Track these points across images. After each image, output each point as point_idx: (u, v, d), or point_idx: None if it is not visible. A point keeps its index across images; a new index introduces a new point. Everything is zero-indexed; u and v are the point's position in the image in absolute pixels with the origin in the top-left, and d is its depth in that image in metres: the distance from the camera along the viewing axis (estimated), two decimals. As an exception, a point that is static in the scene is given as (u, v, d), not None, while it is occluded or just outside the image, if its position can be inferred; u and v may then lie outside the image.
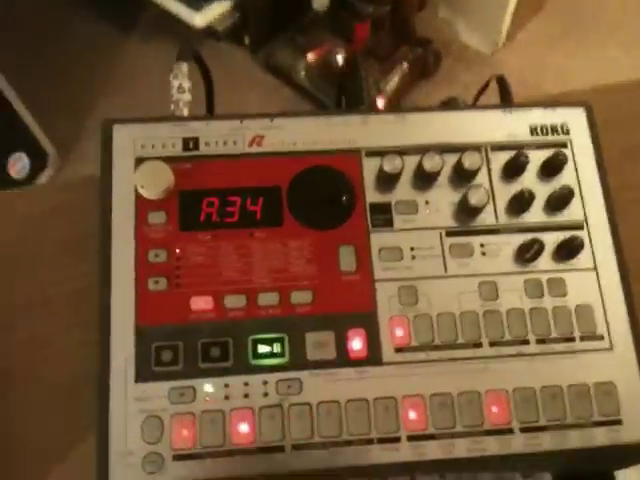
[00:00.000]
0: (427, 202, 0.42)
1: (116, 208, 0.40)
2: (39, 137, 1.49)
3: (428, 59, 1.73)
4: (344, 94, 0.56)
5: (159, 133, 0.42)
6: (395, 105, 1.61)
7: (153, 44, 1.85)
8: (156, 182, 0.39)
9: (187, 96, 0.45)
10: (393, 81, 1.67)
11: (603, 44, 1.85)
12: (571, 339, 0.39)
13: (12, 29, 1.78)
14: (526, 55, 1.85)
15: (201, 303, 0.38)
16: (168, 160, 0.40)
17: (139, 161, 0.40)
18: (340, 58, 1.63)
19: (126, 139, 0.42)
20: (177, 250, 0.39)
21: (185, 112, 0.44)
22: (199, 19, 1.61)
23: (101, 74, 1.79)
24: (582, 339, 0.40)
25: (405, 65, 1.69)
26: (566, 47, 1.87)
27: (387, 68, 1.69)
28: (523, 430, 0.38)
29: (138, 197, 0.40)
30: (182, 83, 0.45)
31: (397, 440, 0.36)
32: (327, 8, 1.71)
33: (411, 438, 0.37)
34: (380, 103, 1.51)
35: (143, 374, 0.37)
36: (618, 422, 0.38)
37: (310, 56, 1.71)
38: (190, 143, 0.42)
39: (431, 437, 0.37)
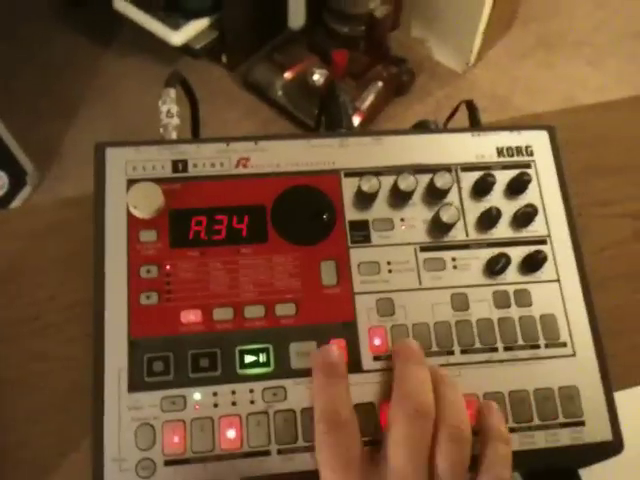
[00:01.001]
0: (402, 219, 0.44)
1: (109, 227, 0.42)
2: (18, 155, 1.49)
3: (402, 77, 1.78)
4: (324, 115, 0.59)
5: (149, 156, 0.44)
6: (370, 129, 1.64)
7: (131, 60, 1.86)
8: (147, 202, 0.42)
9: (175, 120, 0.47)
10: (369, 99, 1.70)
11: (571, 60, 1.91)
12: (536, 346, 0.42)
13: (-10, 46, 1.77)
14: (497, 71, 1.90)
15: (191, 316, 0.41)
16: (158, 181, 0.43)
17: (131, 182, 0.43)
18: (318, 76, 1.67)
19: (118, 162, 0.44)
20: (167, 266, 0.41)
21: (174, 135, 0.47)
22: (176, 37, 1.63)
23: (79, 87, 1.80)
24: (547, 346, 0.42)
25: (380, 83, 1.73)
26: (535, 63, 1.93)
27: (362, 86, 1.73)
28: (493, 432, 0.40)
29: (130, 216, 0.42)
30: (170, 108, 0.47)
31: (377, 442, 0.38)
32: (303, 27, 1.74)
33: (389, 440, 0.39)
34: (356, 121, 1.55)
35: (136, 384, 0.39)
36: (581, 423, 0.41)
37: (288, 74, 1.74)
38: (179, 165, 0.44)
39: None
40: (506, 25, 1.97)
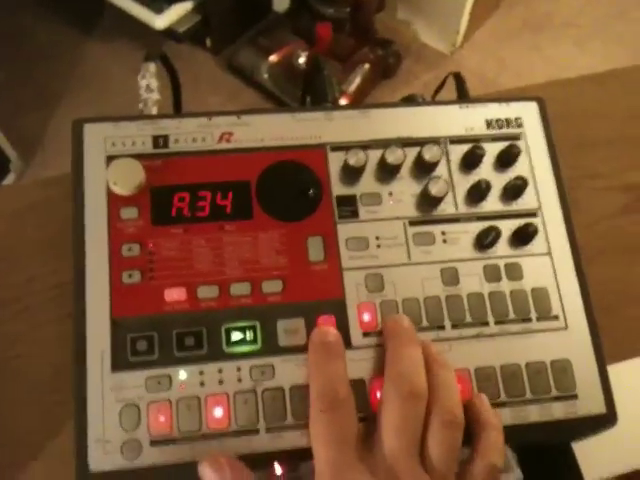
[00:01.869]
0: (390, 193, 0.44)
1: (88, 205, 0.41)
2: (1, 143, 1.47)
3: (389, 60, 1.76)
4: (308, 93, 0.58)
5: (129, 131, 0.43)
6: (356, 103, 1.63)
7: (114, 45, 1.84)
8: (128, 179, 0.40)
9: (155, 95, 0.46)
10: (355, 82, 1.69)
11: (557, 41, 1.90)
12: (528, 320, 0.42)
13: (-30, 33, 1.75)
14: (483, 53, 1.89)
15: (175, 294, 0.40)
16: (139, 157, 0.41)
17: (110, 159, 0.41)
18: (303, 59, 1.65)
19: (97, 138, 0.42)
20: (150, 244, 0.40)
21: (154, 111, 0.45)
22: (160, 21, 1.61)
23: (63, 76, 1.77)
24: (538, 320, 0.42)
25: (366, 66, 1.72)
26: (521, 44, 1.92)
27: (349, 69, 1.71)
28: (485, 406, 0.40)
29: (110, 194, 0.41)
30: (150, 83, 0.46)
31: (367, 419, 0.38)
32: (288, 10, 1.72)
33: (380, 417, 0.38)
34: (343, 104, 1.53)
35: (119, 364, 0.38)
36: (574, 397, 0.41)
37: (273, 57, 1.72)
38: (160, 140, 0.43)
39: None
40: (492, 6, 1.96)
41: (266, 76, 1.72)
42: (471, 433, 0.38)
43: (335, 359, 0.38)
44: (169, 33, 1.66)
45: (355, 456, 0.35)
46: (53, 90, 1.75)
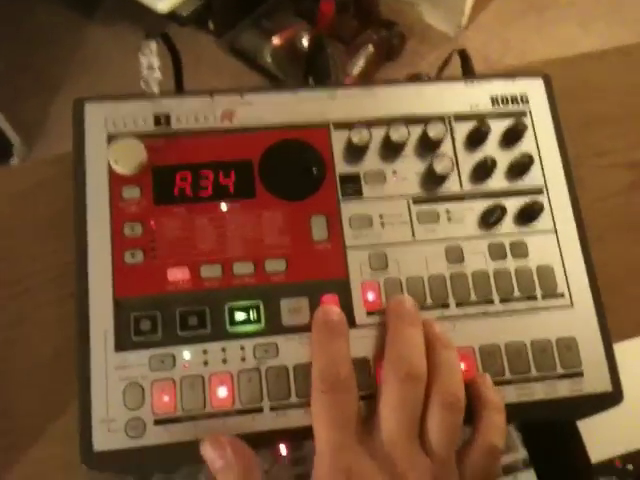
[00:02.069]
0: (394, 172, 0.43)
1: (90, 185, 0.41)
2: (3, 127, 1.47)
3: (393, 41, 1.75)
4: (311, 73, 0.57)
5: (130, 110, 0.42)
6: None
7: (115, 28, 1.82)
8: (129, 158, 0.40)
9: (157, 74, 0.45)
10: (359, 64, 1.68)
11: (562, 22, 1.88)
12: (533, 297, 0.41)
13: (-30, 16, 1.73)
14: (488, 34, 1.87)
15: (178, 274, 0.39)
16: (140, 136, 0.41)
17: (111, 138, 0.41)
18: (306, 41, 1.64)
19: (98, 117, 0.42)
20: (152, 224, 0.40)
21: (155, 89, 0.45)
22: (162, 4, 1.60)
23: (64, 60, 1.76)
24: (544, 297, 0.41)
25: (370, 47, 1.71)
26: (526, 25, 1.90)
27: (353, 51, 1.70)
28: (490, 384, 0.39)
29: (111, 173, 0.41)
30: (151, 61, 0.45)
31: (371, 397, 0.37)
32: (291, -9, 1.71)
33: (384, 396, 0.38)
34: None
35: (123, 343, 0.38)
36: (580, 374, 0.40)
37: (276, 40, 1.71)
38: (161, 119, 0.42)
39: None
40: (497, -14, 1.93)
41: (269, 59, 1.71)
42: (472, 412, 0.38)
43: (338, 338, 0.38)
44: (172, 16, 1.65)
45: (355, 438, 0.35)
46: (54, 74, 1.74)
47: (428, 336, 0.38)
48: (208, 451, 0.35)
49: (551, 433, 0.47)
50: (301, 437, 0.38)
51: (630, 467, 0.49)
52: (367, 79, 1.71)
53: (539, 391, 0.40)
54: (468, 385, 0.38)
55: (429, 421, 0.36)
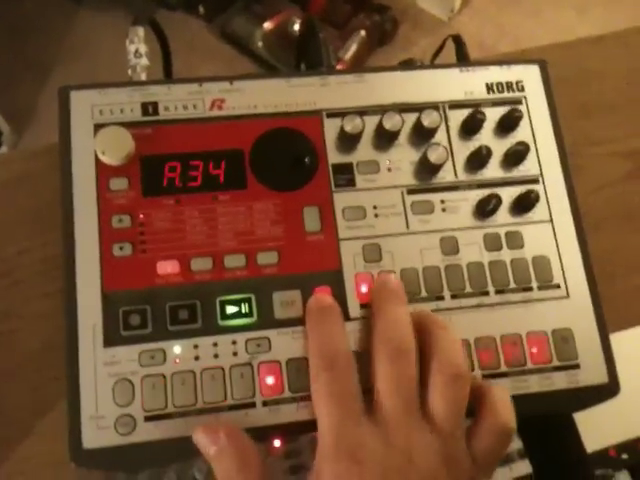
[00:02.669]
0: (388, 161, 0.42)
1: (77, 175, 0.40)
2: (-7, 116, 1.45)
3: (385, 26, 1.73)
4: (303, 59, 0.56)
5: (117, 99, 0.41)
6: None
7: (105, 16, 1.80)
8: (116, 147, 0.39)
9: (144, 61, 0.44)
10: (351, 49, 1.66)
11: (557, 6, 1.87)
12: (529, 289, 0.41)
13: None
14: (482, 19, 1.86)
15: (167, 267, 0.38)
16: (128, 125, 0.40)
17: (98, 127, 0.40)
18: (298, 26, 1.62)
19: (84, 105, 0.41)
20: (141, 215, 0.39)
21: (143, 77, 0.44)
22: (152, -12, 1.57)
23: (53, 47, 1.73)
24: (539, 288, 0.41)
25: (363, 32, 1.69)
26: (521, 10, 1.89)
27: (345, 36, 1.68)
28: (485, 377, 0.39)
29: (99, 164, 0.40)
30: (139, 48, 0.44)
31: (369, 391, 0.37)
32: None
33: (379, 389, 0.38)
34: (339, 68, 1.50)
35: (112, 339, 0.37)
36: (576, 366, 0.40)
37: (267, 25, 1.69)
38: (149, 108, 0.41)
39: (398, 387, 0.38)
40: (491, -30, 1.91)
41: (260, 44, 1.69)
42: (473, 401, 0.36)
43: (332, 322, 0.37)
44: (161, 1, 1.63)
45: (358, 414, 0.35)
46: (44, 62, 1.72)
47: (424, 321, 0.37)
48: (201, 438, 0.35)
49: (546, 423, 0.46)
50: (295, 432, 0.38)
51: (625, 457, 0.49)
52: (359, 64, 1.69)
53: (535, 384, 0.39)
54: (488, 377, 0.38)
55: (430, 395, 0.35)
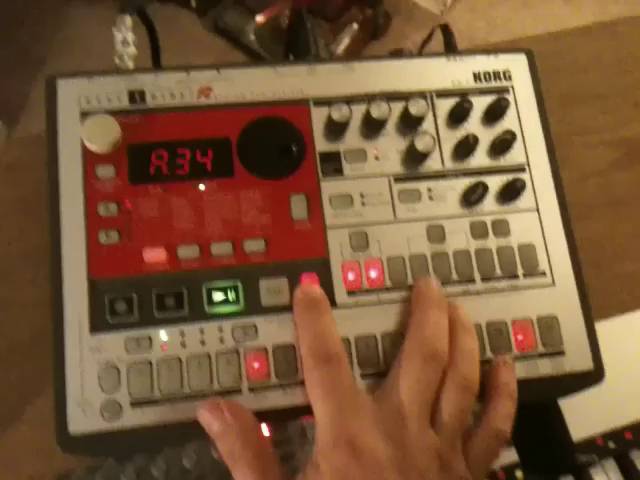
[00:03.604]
0: (375, 150, 0.42)
1: (63, 163, 0.40)
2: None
3: (378, 20, 1.73)
4: (291, 50, 0.56)
5: (104, 87, 0.41)
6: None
7: (97, 7, 1.79)
8: (103, 135, 0.39)
9: (131, 49, 0.44)
10: (344, 42, 1.66)
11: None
12: (515, 276, 0.41)
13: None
14: (474, 12, 1.86)
15: (154, 255, 0.38)
16: (114, 113, 0.40)
17: (85, 115, 0.40)
18: (290, 19, 1.61)
19: (71, 94, 0.41)
20: (127, 203, 0.39)
21: (130, 65, 0.44)
22: (144, -19, 1.56)
23: (45, 39, 1.72)
24: (525, 276, 0.41)
25: (355, 26, 1.69)
26: (513, 3, 1.89)
27: (337, 29, 1.68)
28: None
29: (85, 152, 0.40)
30: (126, 36, 0.44)
31: (366, 377, 0.37)
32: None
33: (365, 376, 0.38)
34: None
35: (98, 325, 0.37)
36: (561, 353, 0.40)
37: (259, 18, 1.68)
38: (136, 96, 0.41)
39: (384, 374, 0.38)
40: (484, -36, 1.91)
41: (253, 37, 1.68)
42: (484, 395, 0.38)
43: (322, 314, 0.37)
44: (153, -7, 1.62)
45: (355, 406, 0.35)
46: (35, 55, 1.71)
47: (452, 320, 0.38)
48: (205, 416, 0.35)
49: (532, 411, 0.47)
50: (281, 418, 0.38)
51: (612, 445, 0.49)
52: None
53: (520, 370, 0.39)
54: (486, 362, 0.39)
55: (442, 401, 0.36)
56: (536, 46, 0.47)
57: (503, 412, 0.37)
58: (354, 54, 1.70)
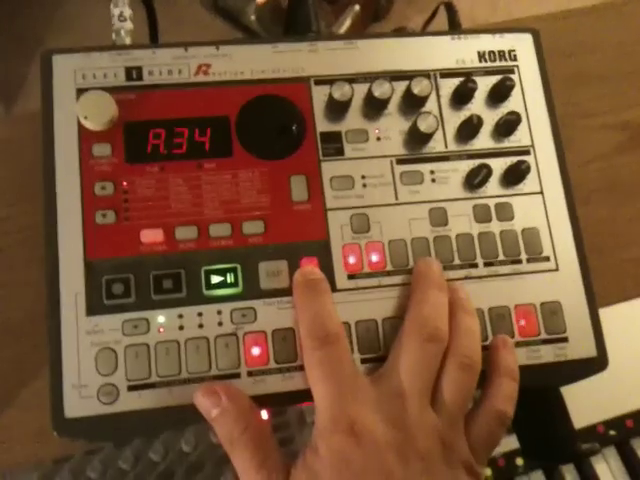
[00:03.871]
0: (377, 130, 0.42)
1: (59, 141, 0.39)
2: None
3: (380, 1, 1.71)
4: (291, 28, 0.55)
5: (100, 63, 0.40)
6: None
7: (95, -14, 1.76)
8: (99, 112, 0.38)
9: (128, 24, 0.43)
10: (345, 24, 1.64)
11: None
12: (518, 261, 0.40)
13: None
14: (477, -6, 1.83)
15: (151, 236, 0.38)
16: (111, 90, 0.39)
17: (80, 92, 0.39)
18: (290, -1, 1.59)
19: (66, 70, 0.40)
20: (124, 183, 0.38)
21: (127, 41, 0.43)
22: (142, -40, 1.54)
23: (43, 23, 1.70)
24: (528, 261, 0.40)
25: (357, 7, 1.66)
26: (516, -15, 1.86)
27: (339, 11, 1.66)
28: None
29: (81, 129, 0.39)
30: (123, 11, 0.43)
31: (367, 361, 0.37)
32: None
33: (365, 360, 0.38)
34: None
35: (94, 307, 0.36)
36: (564, 339, 0.40)
37: (260, -2, 1.66)
38: (133, 72, 0.40)
39: (384, 359, 0.37)
40: (487, -55, 1.89)
41: (253, 18, 1.66)
42: (486, 376, 0.38)
43: (321, 294, 0.37)
44: (151, -28, 1.60)
45: (355, 388, 0.34)
46: (33, 33, 1.69)
47: (452, 300, 0.38)
48: (201, 401, 0.34)
49: (534, 398, 0.46)
50: (280, 403, 0.37)
51: (612, 433, 0.49)
52: (353, 40, 1.67)
53: (522, 356, 0.39)
54: (486, 348, 0.38)
55: (443, 381, 0.36)
56: (540, 27, 0.46)
57: (505, 393, 0.37)
58: (355, 36, 1.68)
